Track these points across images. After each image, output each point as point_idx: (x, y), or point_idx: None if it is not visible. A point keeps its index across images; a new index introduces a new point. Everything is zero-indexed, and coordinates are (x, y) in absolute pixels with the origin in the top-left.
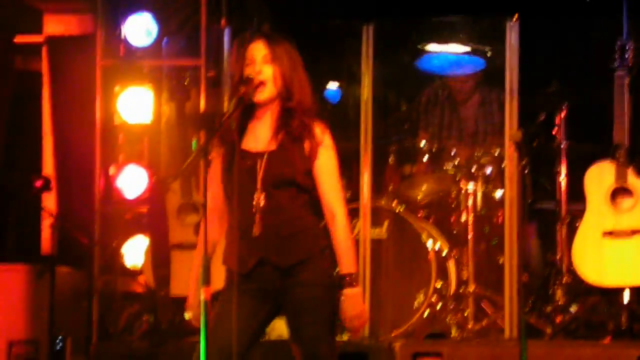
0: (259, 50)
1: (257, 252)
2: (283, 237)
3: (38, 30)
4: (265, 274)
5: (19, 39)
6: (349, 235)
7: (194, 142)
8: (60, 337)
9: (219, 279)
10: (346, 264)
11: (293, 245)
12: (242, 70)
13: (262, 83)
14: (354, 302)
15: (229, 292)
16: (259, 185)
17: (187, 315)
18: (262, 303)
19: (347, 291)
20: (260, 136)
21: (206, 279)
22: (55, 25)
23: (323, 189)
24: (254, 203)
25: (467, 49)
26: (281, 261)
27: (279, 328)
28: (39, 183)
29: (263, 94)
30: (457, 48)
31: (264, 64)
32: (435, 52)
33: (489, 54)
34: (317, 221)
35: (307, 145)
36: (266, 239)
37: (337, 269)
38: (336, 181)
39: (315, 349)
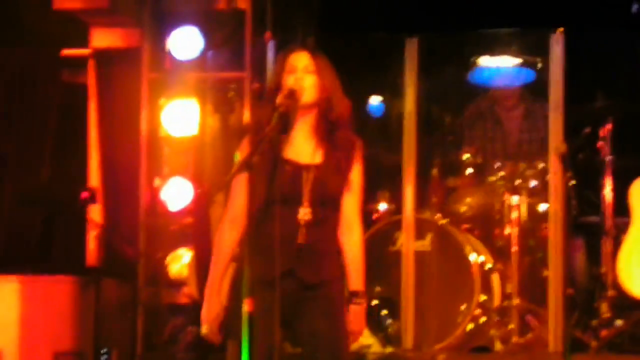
0: (301, 60)
1: (288, 262)
2: (316, 254)
3: (85, 43)
4: (287, 284)
5: (66, 52)
6: (363, 253)
7: (236, 154)
8: (105, 349)
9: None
10: (357, 280)
11: (324, 265)
12: (280, 78)
13: (303, 90)
14: (359, 318)
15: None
16: (306, 198)
17: (204, 330)
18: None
19: (355, 308)
20: (301, 146)
21: (250, 291)
22: (102, 38)
23: (348, 202)
24: (299, 217)
25: (517, 61)
26: (308, 277)
27: None
28: (85, 195)
29: (303, 98)
30: (505, 61)
31: (305, 73)
32: (483, 66)
33: (539, 66)
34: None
35: (344, 159)
36: (301, 253)
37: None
38: (361, 197)
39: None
